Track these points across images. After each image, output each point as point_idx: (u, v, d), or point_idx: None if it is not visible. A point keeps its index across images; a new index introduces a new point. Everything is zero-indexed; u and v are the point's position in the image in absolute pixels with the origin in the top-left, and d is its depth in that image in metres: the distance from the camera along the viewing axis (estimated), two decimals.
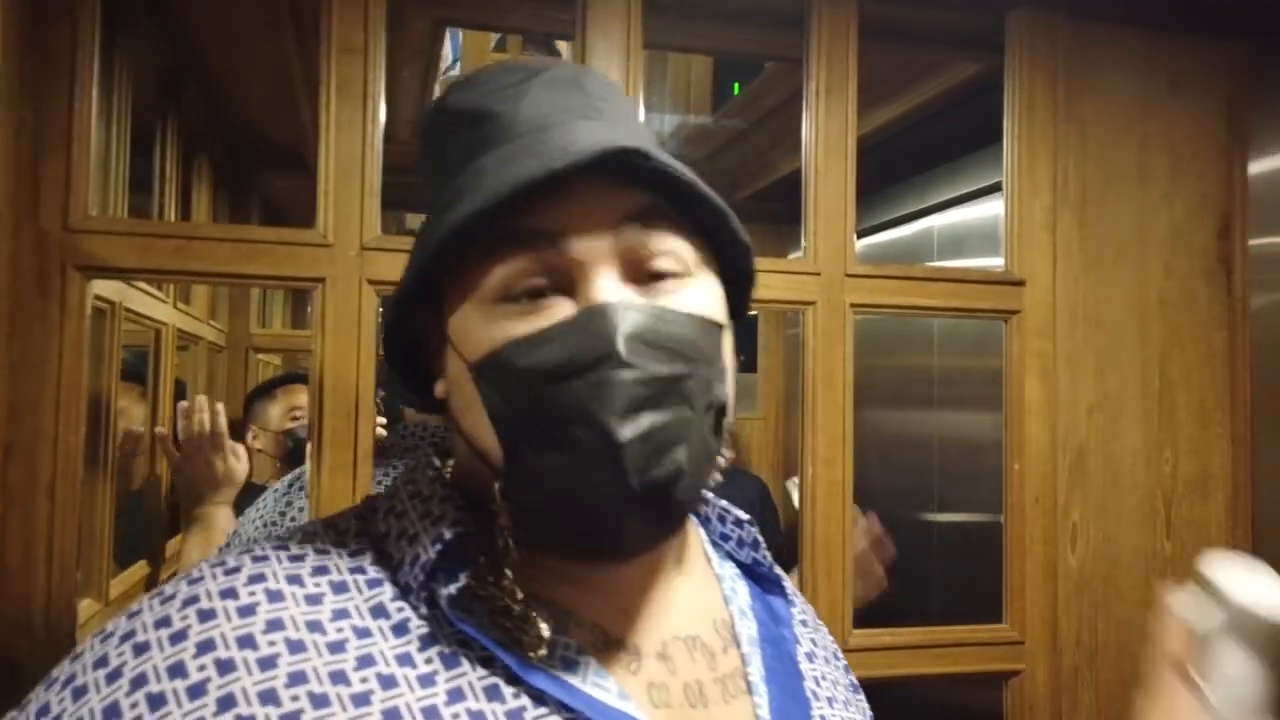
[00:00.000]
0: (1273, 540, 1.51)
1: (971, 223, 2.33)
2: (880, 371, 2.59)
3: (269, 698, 0.48)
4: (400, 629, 0.53)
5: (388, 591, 0.55)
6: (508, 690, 0.52)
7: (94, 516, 1.47)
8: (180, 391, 2.14)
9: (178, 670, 0.49)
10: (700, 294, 0.58)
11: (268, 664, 0.50)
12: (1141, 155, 1.54)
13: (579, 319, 0.53)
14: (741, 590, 0.67)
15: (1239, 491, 1.54)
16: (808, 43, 1.40)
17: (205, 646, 0.50)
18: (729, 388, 0.58)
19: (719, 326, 0.58)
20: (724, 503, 0.71)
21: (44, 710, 0.50)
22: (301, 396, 2.24)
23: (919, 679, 1.41)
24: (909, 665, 1.38)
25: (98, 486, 1.48)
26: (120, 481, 1.78)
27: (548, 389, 0.52)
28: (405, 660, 0.52)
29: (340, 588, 0.55)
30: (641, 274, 0.56)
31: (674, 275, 0.57)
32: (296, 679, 0.49)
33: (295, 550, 0.56)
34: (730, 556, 0.70)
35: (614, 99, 0.63)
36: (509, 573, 0.54)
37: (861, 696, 0.74)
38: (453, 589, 0.54)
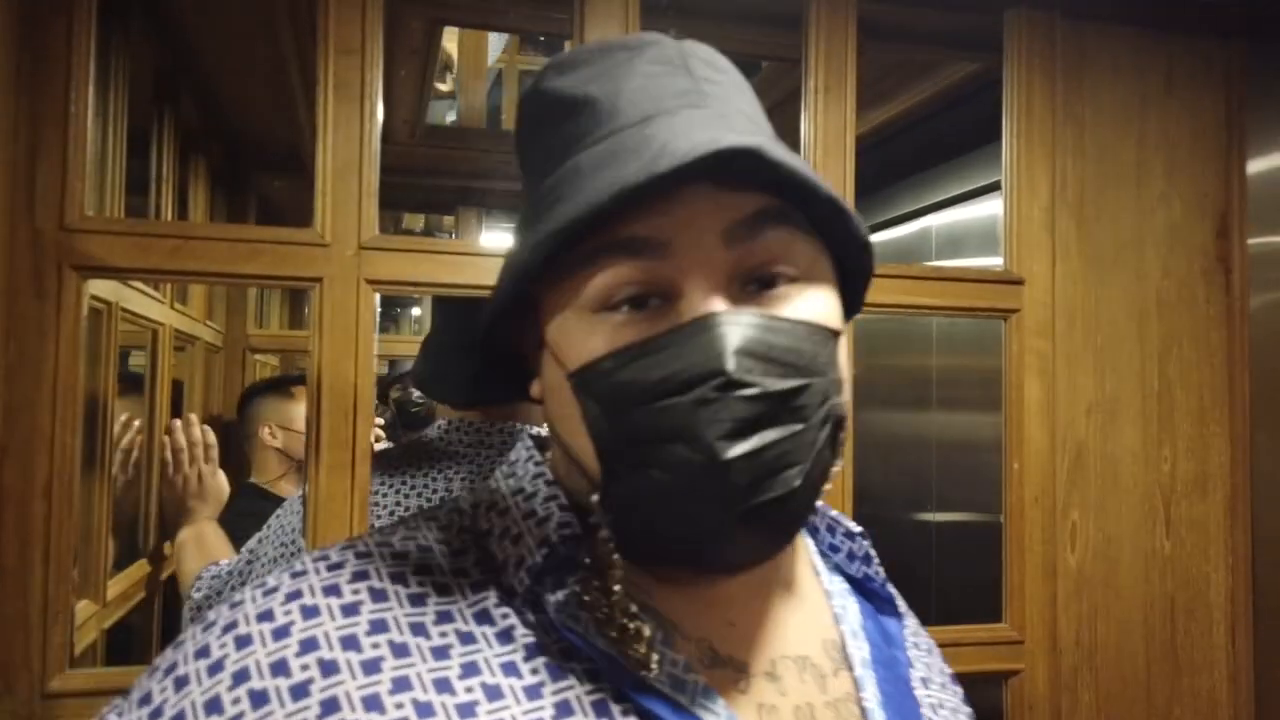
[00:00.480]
0: (1271, 539, 1.51)
1: (970, 222, 2.33)
2: (879, 371, 2.59)
3: (373, 704, 0.47)
4: (505, 636, 0.51)
5: (493, 595, 0.53)
6: (615, 707, 0.50)
7: (91, 517, 1.46)
8: (177, 392, 2.14)
9: (280, 668, 0.48)
10: (815, 299, 0.54)
11: (371, 668, 0.48)
12: (1139, 154, 1.54)
13: (684, 331, 0.49)
14: (852, 608, 0.63)
15: (1237, 490, 1.54)
16: (806, 42, 1.40)
17: (308, 645, 0.49)
18: (846, 396, 0.55)
19: (834, 333, 0.54)
20: (835, 512, 0.68)
21: (145, 699, 0.49)
22: None
23: None
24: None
25: (95, 487, 1.47)
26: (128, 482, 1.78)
27: (650, 405, 0.49)
28: (510, 669, 0.50)
29: (444, 590, 0.53)
30: (752, 280, 0.52)
31: (787, 279, 0.53)
32: (400, 685, 0.48)
33: (398, 546, 0.55)
34: (839, 569, 0.67)
35: (721, 79, 0.58)
36: (618, 587, 0.51)
37: None
38: (560, 595, 0.51)
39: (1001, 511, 1.46)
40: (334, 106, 1.21)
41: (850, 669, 0.59)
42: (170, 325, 1.94)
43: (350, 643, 0.49)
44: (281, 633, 0.49)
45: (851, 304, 0.61)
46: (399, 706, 0.47)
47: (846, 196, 1.39)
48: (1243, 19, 1.56)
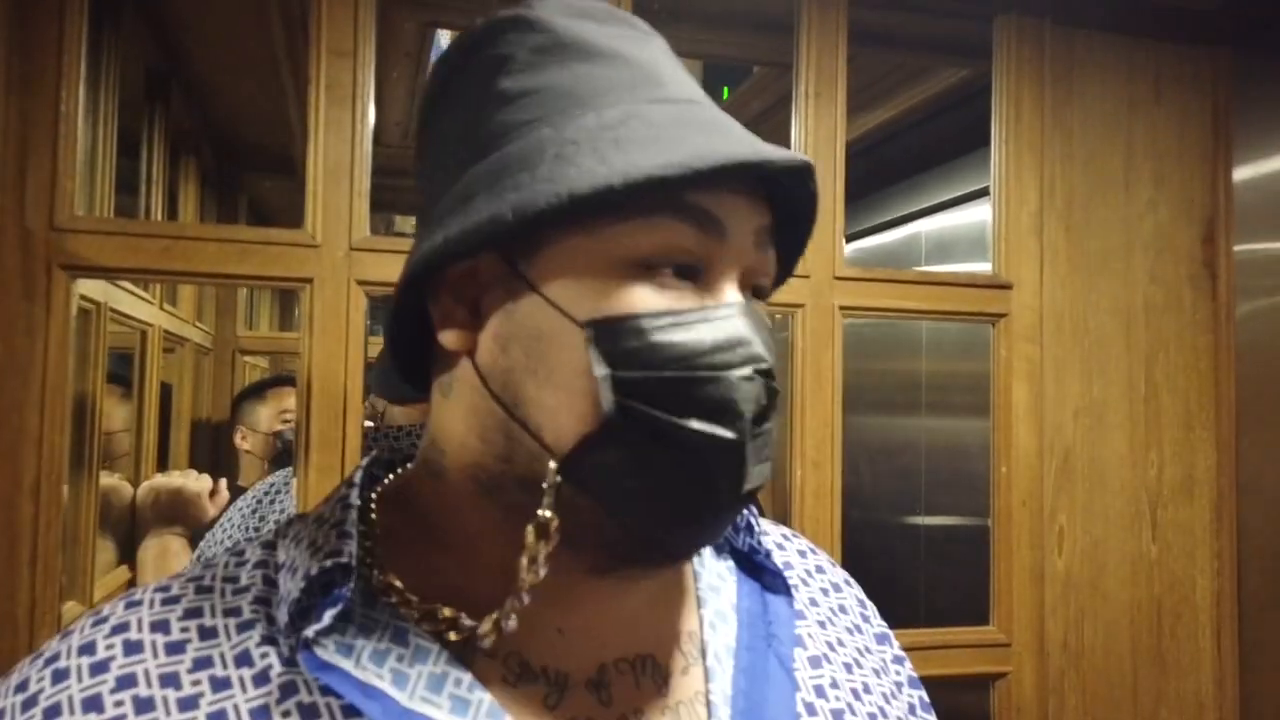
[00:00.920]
0: (1256, 543, 1.52)
1: (959, 227, 2.34)
2: (868, 376, 2.60)
3: None
4: (261, 678, 0.49)
5: (257, 634, 0.51)
6: None
7: (78, 519, 1.46)
8: (166, 394, 2.13)
9: (92, 704, 0.48)
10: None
11: (188, 704, 0.48)
12: (1127, 161, 1.55)
13: (730, 309, 0.50)
14: (727, 589, 0.61)
15: (1223, 494, 1.55)
16: (797, 47, 1.41)
17: (52, 713, 0.48)
18: None
19: None
20: None
21: None
22: (291, 399, 2.24)
23: None
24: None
25: (82, 488, 1.47)
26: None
27: (692, 369, 0.48)
28: (260, 714, 0.48)
29: (209, 633, 0.51)
30: (748, 285, 0.54)
31: (764, 292, 0.56)
32: None
33: (175, 590, 0.54)
34: (730, 546, 0.64)
35: None
36: (399, 583, 0.52)
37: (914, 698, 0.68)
38: (325, 621, 0.49)
39: (989, 515, 1.47)
40: (325, 108, 1.21)
41: (705, 661, 0.57)
42: (159, 326, 1.93)
43: (92, 704, 0.48)
44: (100, 668, 0.49)
45: None
46: None
47: (837, 202, 1.40)
48: (1230, 27, 1.57)
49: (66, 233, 1.12)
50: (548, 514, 0.49)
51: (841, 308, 1.39)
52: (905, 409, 2.51)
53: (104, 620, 0.52)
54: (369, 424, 1.54)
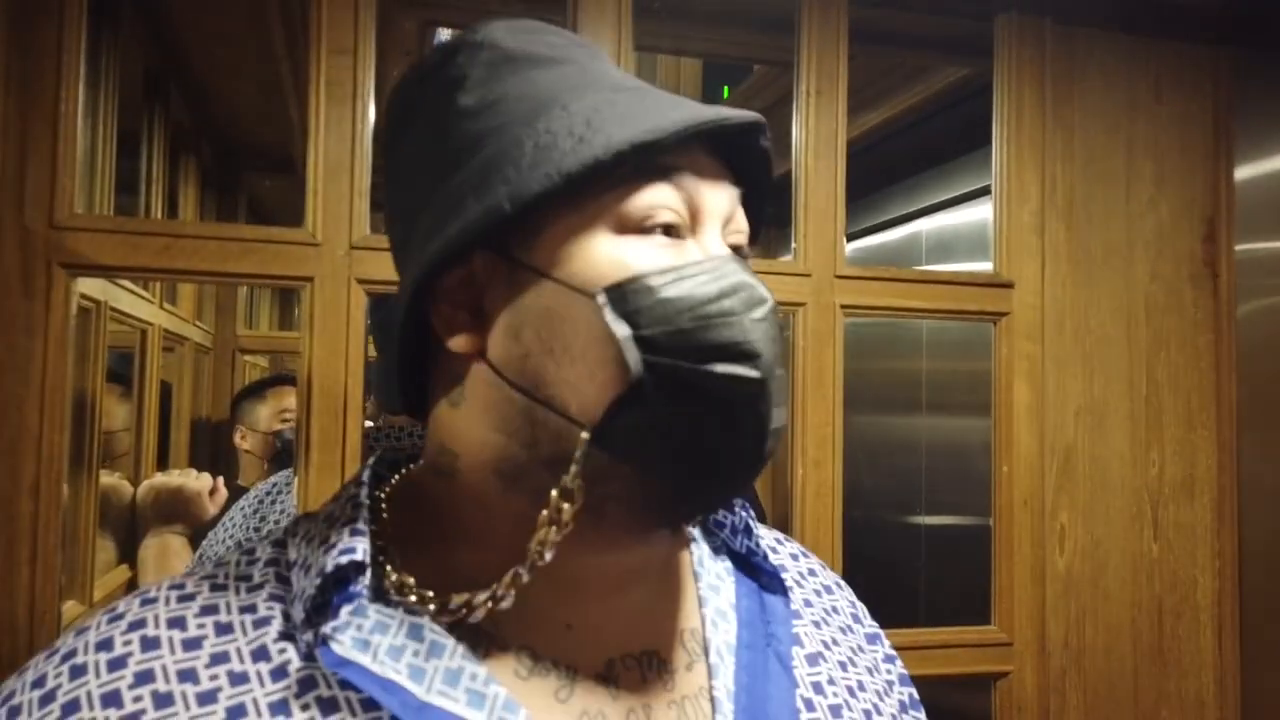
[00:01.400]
0: (1258, 542, 1.52)
1: (959, 226, 2.34)
2: (869, 375, 2.60)
3: None
4: (280, 672, 0.50)
5: (274, 630, 0.52)
6: None
7: (78, 518, 1.46)
8: (166, 393, 2.13)
9: (112, 699, 0.48)
10: None
11: (208, 698, 0.49)
12: (1128, 160, 1.55)
13: (728, 260, 0.53)
14: (726, 589, 0.62)
15: (1225, 494, 1.55)
16: (798, 45, 1.41)
17: (70, 708, 0.49)
18: None
19: None
20: None
21: None
22: (291, 398, 2.23)
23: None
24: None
25: (82, 487, 1.47)
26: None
27: (707, 317, 0.50)
28: (280, 709, 0.49)
29: (225, 629, 0.52)
30: (726, 242, 0.57)
31: (741, 253, 0.58)
32: None
33: (190, 588, 0.55)
34: (727, 547, 0.66)
35: None
36: (411, 580, 0.53)
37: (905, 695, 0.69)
38: (341, 617, 0.50)
39: (991, 514, 1.47)
40: (326, 106, 1.20)
41: (708, 657, 0.58)
42: (159, 325, 1.93)
43: (111, 699, 0.49)
44: (118, 664, 0.50)
45: None
46: None
47: (838, 201, 1.40)
48: (1231, 26, 1.57)
49: (66, 231, 1.12)
50: (577, 481, 0.50)
51: (842, 306, 1.38)
52: (906, 408, 2.51)
53: (120, 617, 0.53)
54: (369, 424, 1.54)
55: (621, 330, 0.50)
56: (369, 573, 0.52)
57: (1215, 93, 1.59)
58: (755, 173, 0.59)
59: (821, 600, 0.69)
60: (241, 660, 0.51)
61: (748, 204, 0.59)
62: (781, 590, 0.64)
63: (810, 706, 0.59)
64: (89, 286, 1.40)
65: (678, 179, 0.53)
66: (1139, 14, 1.55)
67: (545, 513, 0.51)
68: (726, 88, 3.09)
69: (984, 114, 1.53)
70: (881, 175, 2.49)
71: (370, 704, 0.49)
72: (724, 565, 0.64)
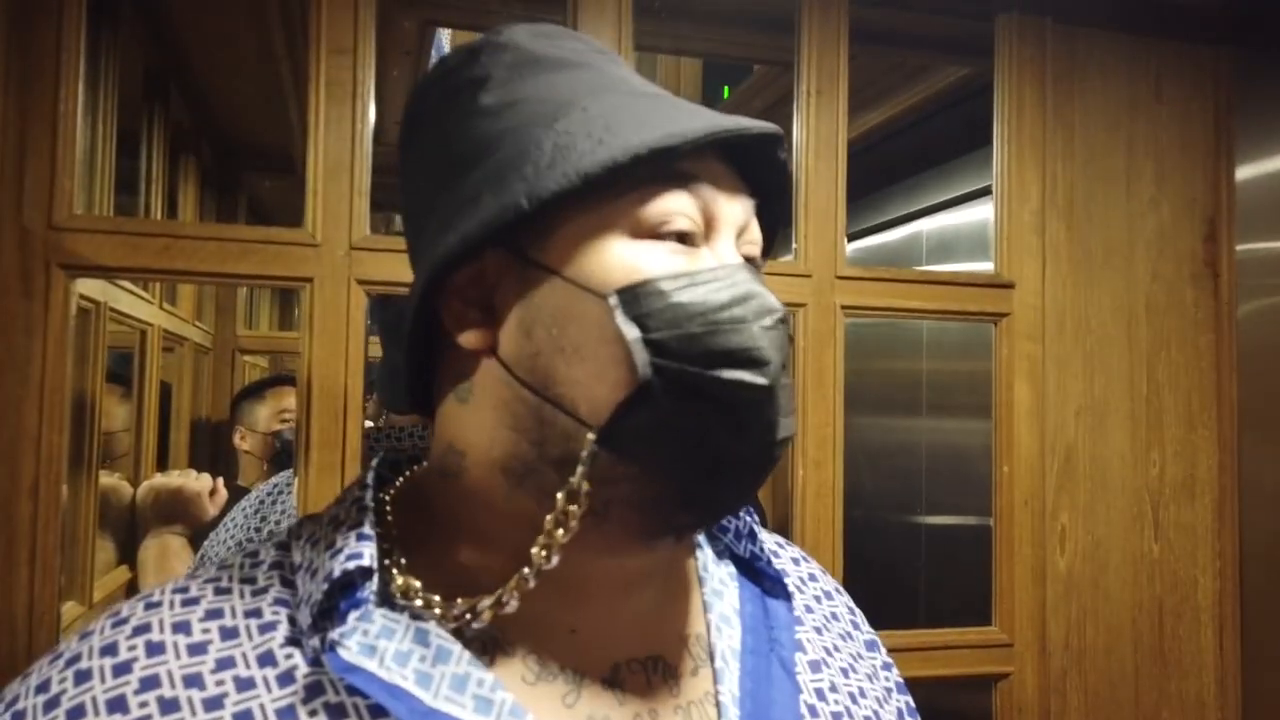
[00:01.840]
0: (1259, 542, 1.52)
1: (960, 226, 2.34)
2: (869, 375, 2.60)
3: None
4: (286, 678, 0.50)
5: (280, 635, 0.52)
6: None
7: (77, 519, 1.45)
8: (166, 394, 2.13)
9: (117, 705, 0.48)
10: None
11: (213, 704, 0.49)
12: (1129, 160, 1.55)
13: (738, 269, 0.53)
14: (730, 594, 0.62)
15: (1225, 494, 1.55)
16: (798, 45, 1.41)
17: (75, 714, 0.48)
18: None
19: None
20: None
21: None
22: (290, 398, 2.23)
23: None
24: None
25: (81, 488, 1.46)
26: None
27: (715, 323, 0.50)
28: (287, 714, 0.49)
29: (230, 633, 0.52)
30: (739, 252, 0.57)
31: (754, 264, 0.58)
32: None
33: (194, 591, 0.54)
34: (730, 552, 0.66)
35: None
36: (417, 584, 0.53)
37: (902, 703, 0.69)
38: (348, 624, 0.50)
39: (991, 514, 1.47)
40: (326, 106, 1.20)
41: (713, 663, 0.58)
42: (159, 326, 1.93)
43: (117, 705, 0.48)
44: (123, 669, 0.49)
45: None
46: None
47: (838, 201, 1.40)
48: (1231, 25, 1.57)
49: (65, 232, 1.11)
50: (583, 483, 0.50)
51: (843, 307, 1.38)
52: (907, 408, 2.51)
53: (124, 621, 0.52)
54: (369, 424, 1.54)
55: (631, 332, 0.50)
56: (375, 577, 0.52)
57: (1216, 92, 1.59)
58: (771, 185, 0.59)
59: (822, 606, 0.69)
60: (248, 665, 0.50)
61: (762, 215, 0.59)
62: (785, 595, 0.64)
63: (814, 712, 0.59)
64: (88, 287, 1.40)
65: (694, 187, 0.53)
66: (1139, 13, 1.54)
67: (551, 516, 0.51)
68: (727, 88, 3.09)
69: (985, 114, 1.53)
70: (882, 175, 2.49)
71: (378, 710, 0.49)
72: (728, 570, 0.64)
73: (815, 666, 0.62)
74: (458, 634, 0.52)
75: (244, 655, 0.51)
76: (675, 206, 0.53)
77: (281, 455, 2.19)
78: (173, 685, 0.49)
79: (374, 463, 0.61)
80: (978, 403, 1.61)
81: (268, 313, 3.34)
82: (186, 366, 2.33)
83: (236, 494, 2.24)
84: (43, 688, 0.50)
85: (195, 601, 0.54)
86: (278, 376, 2.57)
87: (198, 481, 1.88)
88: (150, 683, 0.49)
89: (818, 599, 0.69)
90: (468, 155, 0.55)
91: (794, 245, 1.39)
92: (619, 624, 0.56)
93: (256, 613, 0.53)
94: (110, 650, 0.51)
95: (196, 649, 0.51)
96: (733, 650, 0.59)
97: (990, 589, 1.46)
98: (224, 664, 0.50)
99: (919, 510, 2.43)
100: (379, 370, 1.40)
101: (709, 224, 0.54)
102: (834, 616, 0.69)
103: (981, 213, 2.18)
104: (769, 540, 0.71)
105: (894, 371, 2.57)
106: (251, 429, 2.28)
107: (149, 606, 0.53)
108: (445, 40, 2.79)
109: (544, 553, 0.51)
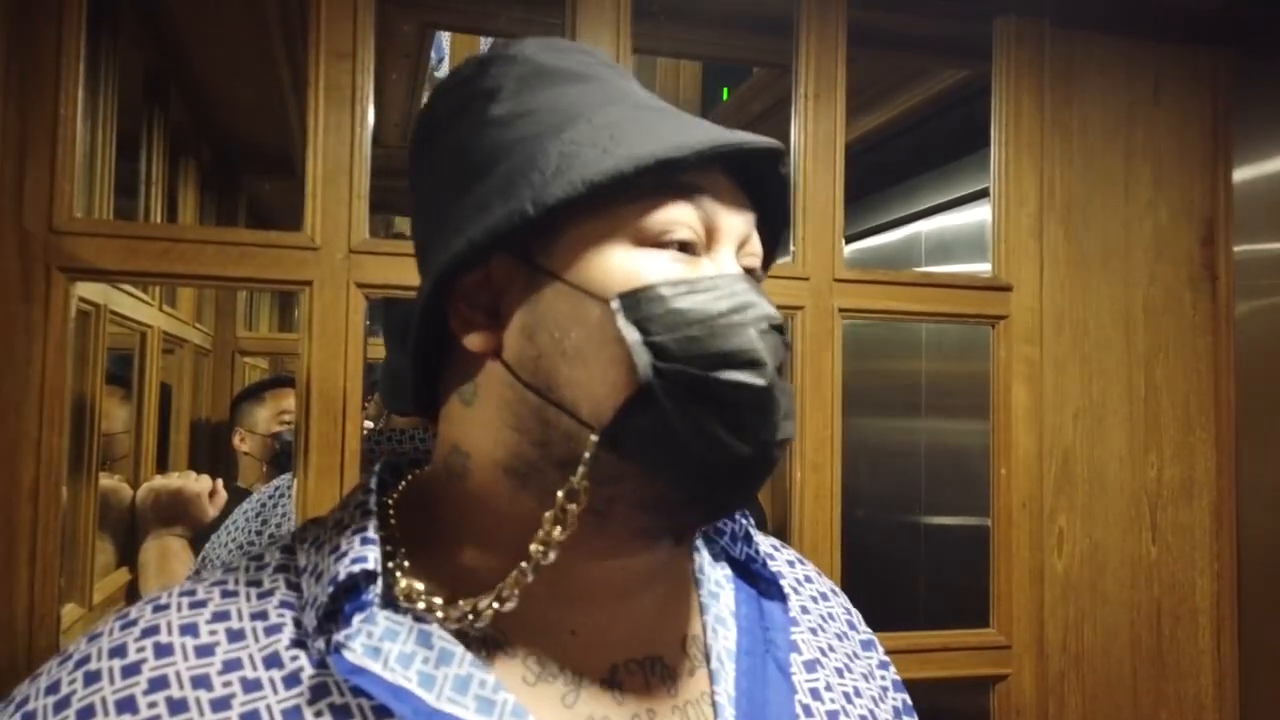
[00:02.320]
0: (1256, 544, 1.52)
1: (958, 228, 2.34)
2: (868, 376, 2.60)
3: None
4: (292, 679, 0.51)
5: (286, 637, 0.53)
6: None
7: (77, 521, 1.46)
8: (165, 395, 2.13)
9: (126, 706, 0.49)
10: None
11: (221, 705, 0.49)
12: (1127, 162, 1.55)
13: (736, 278, 0.55)
14: (726, 595, 0.63)
15: (1223, 496, 1.55)
16: (796, 48, 1.41)
17: (85, 714, 0.49)
18: None
19: None
20: None
21: None
22: (290, 400, 2.23)
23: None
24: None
25: (81, 490, 1.47)
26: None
27: (713, 327, 0.52)
28: (293, 715, 0.50)
29: (237, 636, 0.53)
30: (739, 263, 0.58)
31: (754, 275, 0.59)
32: None
33: (201, 594, 0.55)
34: (726, 554, 0.67)
35: None
36: (420, 587, 0.54)
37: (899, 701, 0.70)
38: (353, 626, 0.51)
39: (989, 517, 1.47)
40: (325, 110, 1.21)
41: (709, 663, 0.59)
42: (159, 328, 1.93)
43: (126, 705, 0.49)
44: (132, 670, 0.50)
45: None
46: None
47: (836, 203, 1.40)
48: (1229, 29, 1.57)
49: (65, 235, 1.12)
50: (584, 482, 0.52)
51: (841, 310, 1.38)
52: (905, 410, 2.51)
53: (133, 623, 0.53)
54: (369, 425, 1.54)
55: (632, 335, 0.51)
56: (379, 581, 0.53)
57: (1214, 95, 1.59)
58: (773, 199, 0.61)
59: (818, 607, 0.70)
60: (254, 667, 0.51)
61: (763, 228, 0.60)
62: (780, 597, 0.65)
63: (809, 712, 0.60)
64: (88, 290, 1.41)
65: (697, 199, 0.55)
66: (1137, 17, 1.55)
67: (550, 513, 0.52)
68: (726, 89, 3.10)
69: (983, 116, 1.53)
70: (880, 177, 2.49)
71: (382, 711, 0.50)
72: (723, 572, 0.65)
73: (810, 666, 0.63)
74: (460, 635, 0.53)
75: (250, 657, 0.52)
76: (678, 217, 0.54)
77: (281, 457, 2.20)
78: (181, 686, 0.50)
79: (376, 467, 0.62)
80: (977, 403, 1.61)
81: (267, 314, 3.34)
82: (186, 368, 2.33)
83: (236, 495, 2.24)
84: (53, 689, 0.51)
85: (202, 604, 0.54)
86: (277, 378, 2.57)
87: (197, 483, 1.88)
88: (159, 684, 0.50)
89: (814, 600, 0.70)
90: (478, 163, 0.57)
91: (792, 248, 1.39)
92: (618, 625, 0.57)
93: (262, 615, 0.54)
94: (119, 652, 0.51)
95: (204, 651, 0.52)
96: (728, 651, 0.60)
97: (988, 591, 1.46)
98: (231, 665, 0.51)
99: (917, 512, 2.43)
100: (382, 371, 1.40)
101: (710, 235, 0.56)
102: (830, 617, 0.70)
103: (980, 213, 2.19)
104: (765, 543, 0.71)
105: (893, 373, 2.57)
106: (251, 430, 2.29)
107: (157, 609, 0.54)
108: (445, 42, 2.80)
109: (542, 549, 0.52)
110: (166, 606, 0.54)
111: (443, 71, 2.90)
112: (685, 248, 0.55)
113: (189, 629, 0.53)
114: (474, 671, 0.52)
